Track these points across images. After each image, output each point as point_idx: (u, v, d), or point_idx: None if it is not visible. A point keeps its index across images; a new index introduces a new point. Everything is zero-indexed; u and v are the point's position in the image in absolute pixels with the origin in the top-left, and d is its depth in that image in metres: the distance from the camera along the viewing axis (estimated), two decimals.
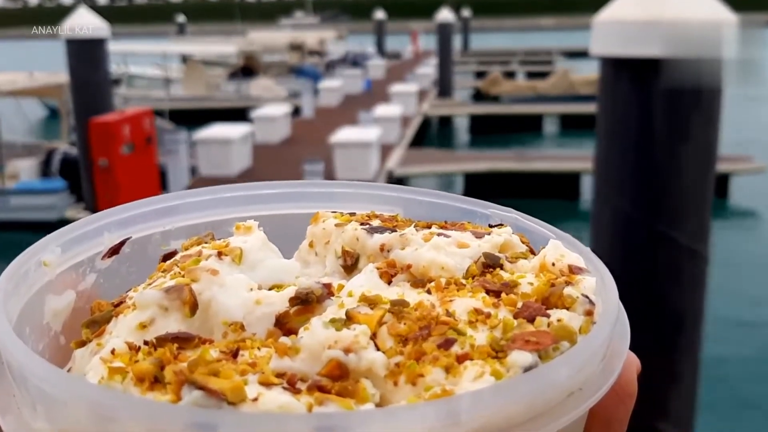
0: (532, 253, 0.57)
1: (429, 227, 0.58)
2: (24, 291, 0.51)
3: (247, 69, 27.34)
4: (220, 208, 0.64)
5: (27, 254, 0.52)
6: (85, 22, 11.71)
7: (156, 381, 0.42)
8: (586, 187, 14.36)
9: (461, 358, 0.43)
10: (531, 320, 0.46)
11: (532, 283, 0.50)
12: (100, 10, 15.05)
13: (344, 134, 14.44)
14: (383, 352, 0.44)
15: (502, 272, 0.53)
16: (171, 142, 13.06)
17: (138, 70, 27.75)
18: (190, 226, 0.62)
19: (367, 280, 0.52)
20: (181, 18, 40.44)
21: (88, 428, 0.38)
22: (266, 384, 0.41)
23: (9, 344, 0.42)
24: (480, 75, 33.42)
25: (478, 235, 0.56)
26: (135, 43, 28.36)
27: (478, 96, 27.52)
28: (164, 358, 0.43)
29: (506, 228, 0.58)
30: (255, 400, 0.39)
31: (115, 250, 0.58)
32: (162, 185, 12.24)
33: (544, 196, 14.57)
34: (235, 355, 0.44)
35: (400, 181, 15.44)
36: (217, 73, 28.94)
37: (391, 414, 0.39)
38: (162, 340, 0.46)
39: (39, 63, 22.84)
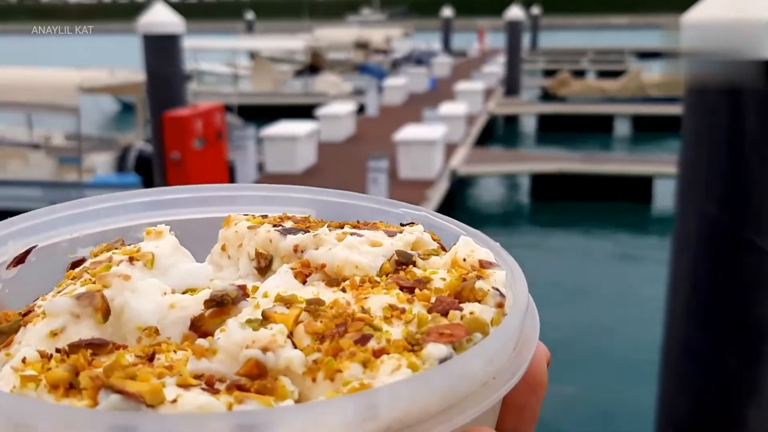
0: (444, 249, 0.58)
1: (342, 227, 0.58)
2: None
3: (312, 66, 27.59)
4: (127, 214, 0.63)
5: None
6: (161, 18, 11.95)
7: (71, 387, 0.41)
8: (660, 191, 14.02)
9: (378, 353, 0.44)
10: (444, 314, 0.47)
11: (444, 279, 0.51)
12: (173, 7, 15.40)
13: (409, 132, 14.41)
14: (301, 350, 0.44)
15: (414, 269, 0.53)
16: (239, 138, 13.25)
17: (207, 66, 28.29)
18: (98, 233, 0.61)
19: (282, 281, 0.52)
20: (250, 15, 41.03)
21: None
22: (184, 386, 0.41)
23: None
24: (548, 74, 32.97)
25: (391, 234, 0.57)
26: (205, 39, 28.86)
27: (546, 95, 27.16)
28: (78, 364, 0.43)
29: (418, 226, 0.59)
30: (174, 401, 0.39)
31: (20, 259, 0.57)
32: (230, 180, 12.42)
33: (613, 199, 14.28)
34: (151, 358, 0.44)
35: (464, 180, 15.33)
36: (284, 70, 29.28)
37: (310, 409, 0.39)
38: (75, 347, 0.45)
39: (114, 57, 23.47)
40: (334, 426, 0.37)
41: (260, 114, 21.33)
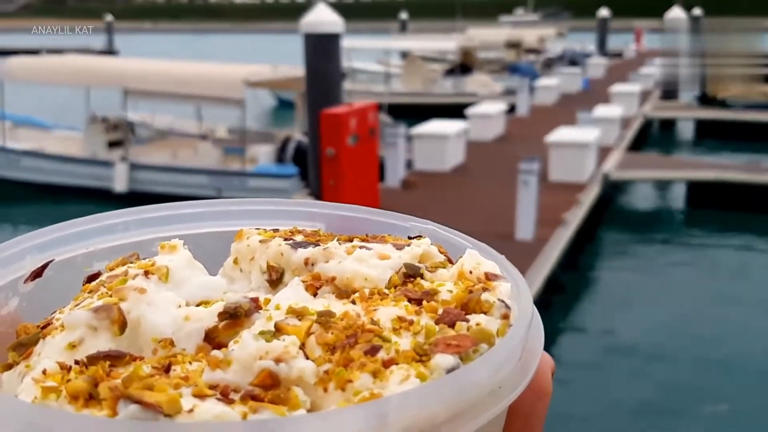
0: (450, 262, 0.59)
1: (351, 240, 0.59)
2: None
3: (463, 65, 27.69)
4: (142, 228, 0.64)
5: None
6: (323, 18, 12.45)
7: (90, 398, 0.42)
8: None
9: (387, 363, 0.45)
10: (451, 325, 0.48)
11: (451, 291, 0.52)
12: (331, 6, 15.99)
13: (561, 134, 14.21)
14: (312, 361, 0.46)
15: (422, 281, 0.55)
16: (390, 136, 13.56)
17: (360, 65, 29.02)
18: (113, 248, 0.62)
19: (293, 293, 0.53)
20: (403, 15, 41.65)
21: None
22: (200, 396, 0.42)
23: None
24: (708, 77, 31.36)
25: (399, 247, 0.58)
26: (359, 38, 29.62)
27: (704, 99, 25.89)
28: (97, 375, 0.44)
29: (425, 239, 0.60)
30: (191, 411, 0.40)
31: (37, 274, 0.59)
32: (380, 176, 12.74)
33: None
34: (167, 369, 0.45)
35: (617, 185, 14.94)
36: (435, 69, 29.54)
37: (323, 418, 0.40)
38: (93, 359, 0.46)
39: (274, 55, 24.56)
40: None
41: (410, 112, 21.67)
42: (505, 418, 0.50)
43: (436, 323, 0.49)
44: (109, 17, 54.44)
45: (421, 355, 0.46)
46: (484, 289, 0.52)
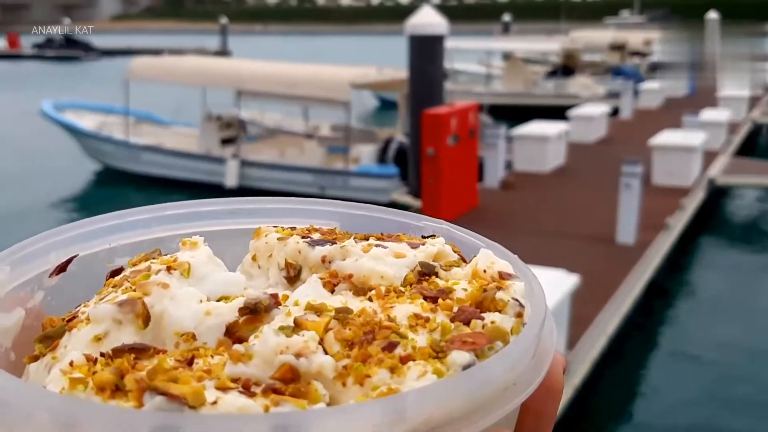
0: (464, 261, 0.60)
1: (367, 239, 0.60)
2: None
3: (566, 67, 27.41)
4: (162, 225, 0.66)
5: None
6: (428, 20, 12.76)
7: (117, 389, 0.43)
8: None
9: (404, 359, 0.46)
10: (467, 323, 0.50)
11: (466, 289, 0.53)
12: (436, 9, 16.22)
13: (666, 137, 14.01)
14: (331, 356, 0.47)
15: (437, 280, 0.55)
16: (490, 136, 13.69)
17: (462, 66, 29.13)
18: (134, 244, 0.64)
19: (311, 290, 0.54)
20: (507, 17, 41.48)
21: None
22: (223, 388, 0.43)
23: None
24: None
25: (414, 246, 0.59)
26: (462, 40, 29.76)
27: None
28: (123, 367, 0.45)
29: (439, 238, 0.61)
30: (214, 403, 0.41)
31: (62, 268, 0.60)
32: (479, 177, 12.90)
33: None
34: (190, 363, 0.47)
35: (723, 191, 14.58)
36: (536, 70, 29.35)
37: (343, 411, 0.42)
38: (119, 351, 0.48)
39: (378, 56, 25.04)
40: (365, 428, 0.39)
41: (510, 113, 21.67)
42: (517, 415, 0.52)
43: (452, 321, 0.50)
44: (224, 20, 56.42)
45: (437, 352, 0.47)
46: (498, 288, 0.53)
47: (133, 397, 0.42)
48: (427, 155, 11.36)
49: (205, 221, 0.67)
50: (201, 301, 0.53)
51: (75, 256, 0.61)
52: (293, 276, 0.59)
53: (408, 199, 13.11)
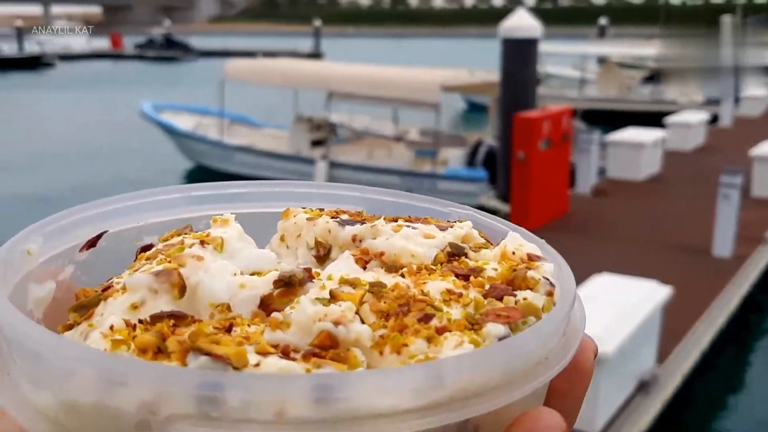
0: (491, 244, 0.60)
1: (395, 220, 0.61)
2: (10, 278, 0.52)
3: (663, 73, 26.64)
4: (190, 205, 0.66)
5: (13, 242, 0.55)
6: (522, 23, 12.62)
7: (159, 352, 0.44)
8: None
9: (440, 330, 0.47)
10: (499, 299, 0.50)
11: (496, 269, 0.54)
12: (531, 12, 16.02)
13: None
14: (368, 326, 0.47)
15: (467, 260, 0.56)
16: (583, 142, 13.42)
17: (555, 70, 28.70)
18: (162, 222, 0.64)
19: (344, 266, 0.55)
20: (603, 20, 40.60)
21: (95, 395, 0.39)
22: (263, 353, 0.44)
23: (12, 317, 0.44)
24: None
25: (442, 228, 0.59)
26: (556, 43, 29.31)
27: None
28: (164, 331, 0.46)
29: (467, 222, 0.62)
30: (257, 365, 0.42)
31: (92, 243, 0.60)
32: (570, 183, 12.67)
33: None
34: (228, 330, 0.47)
35: None
36: (632, 75, 28.63)
37: (384, 374, 0.43)
38: (157, 318, 0.48)
39: (471, 59, 24.94)
40: (404, 390, 0.40)
41: (604, 119, 21.22)
42: (545, 393, 0.52)
43: (484, 297, 0.51)
44: (317, 22, 57.35)
45: (472, 324, 0.48)
46: (528, 268, 0.54)
47: (176, 358, 0.42)
48: (517, 159, 11.23)
49: (232, 203, 0.67)
50: (235, 274, 0.53)
51: (105, 232, 0.61)
52: (323, 255, 0.59)
53: (496, 203, 12.99)
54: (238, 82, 17.45)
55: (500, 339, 0.47)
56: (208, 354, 0.42)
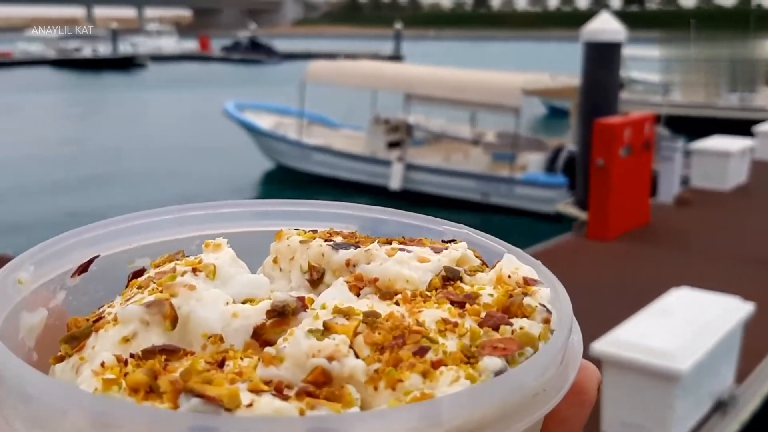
0: (485, 265, 0.60)
1: (389, 243, 0.60)
2: (2, 308, 0.52)
3: (752, 79, 25.66)
4: (183, 226, 0.66)
5: (4, 272, 0.54)
6: (605, 27, 12.35)
7: (150, 391, 0.43)
8: None
9: (436, 364, 0.46)
10: (495, 328, 0.49)
11: (492, 295, 0.53)
12: (616, 15, 15.70)
13: None
14: (362, 360, 0.46)
15: (462, 285, 0.55)
16: (667, 149, 13.04)
17: (638, 75, 28.02)
18: (155, 244, 0.64)
19: (338, 293, 0.54)
20: (691, 24, 39.43)
21: None
22: (256, 391, 0.43)
23: (3, 357, 0.43)
24: None
25: (437, 250, 0.59)
26: (641, 48, 28.59)
27: None
28: (155, 368, 0.45)
29: (462, 243, 0.61)
30: (250, 405, 0.41)
31: (84, 268, 0.60)
32: (652, 191, 12.34)
33: None
34: (221, 365, 0.46)
35: None
36: (719, 82, 27.69)
37: (380, 415, 0.42)
38: (149, 353, 0.47)
39: (552, 62, 24.59)
40: (400, 431, 0.40)
41: (690, 126, 20.58)
42: (542, 422, 0.51)
43: (480, 326, 0.50)
44: (398, 25, 57.62)
45: (468, 357, 0.47)
46: (524, 294, 0.53)
47: (168, 399, 0.42)
48: (596, 166, 11.00)
49: (225, 223, 0.67)
50: (227, 302, 0.53)
51: (97, 257, 0.61)
52: (316, 279, 0.58)
53: (574, 211, 12.75)
54: (319, 83, 17.71)
55: (497, 373, 0.46)
56: (200, 395, 0.41)
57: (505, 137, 16.03)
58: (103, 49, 60.93)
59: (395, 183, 15.90)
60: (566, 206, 13.27)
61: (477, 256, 0.61)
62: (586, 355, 0.55)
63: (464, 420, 0.41)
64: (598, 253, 9.97)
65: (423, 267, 0.56)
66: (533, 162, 14.86)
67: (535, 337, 0.49)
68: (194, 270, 0.55)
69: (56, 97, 37.97)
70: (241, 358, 0.47)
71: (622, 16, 16.47)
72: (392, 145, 16.71)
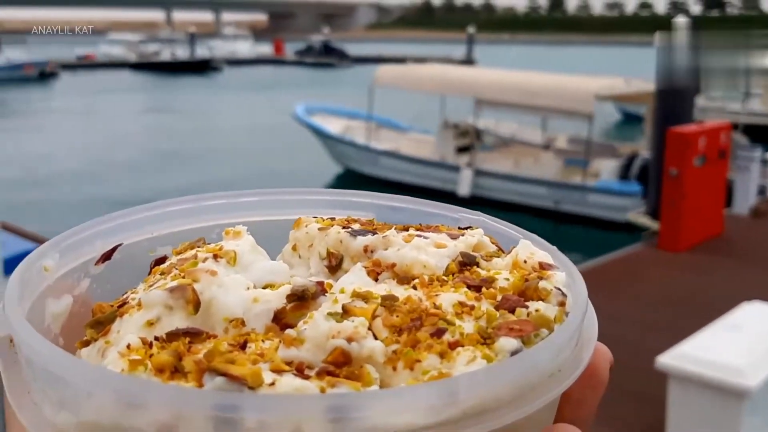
0: (501, 251, 0.60)
1: (406, 230, 0.61)
2: (28, 295, 0.54)
3: None
4: (202, 215, 0.67)
5: (30, 260, 0.56)
6: (680, 32, 12.05)
7: (175, 371, 0.44)
8: None
9: (453, 345, 0.47)
10: (511, 311, 0.50)
11: (508, 279, 0.54)
12: (695, 20, 15.32)
13: None
14: (380, 341, 0.47)
15: (478, 270, 0.56)
16: (744, 159, 12.64)
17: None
18: (176, 233, 0.65)
19: (356, 278, 0.55)
20: None
21: (113, 417, 0.40)
22: (278, 371, 0.44)
23: (32, 340, 0.44)
24: None
25: (453, 236, 0.59)
26: (719, 53, 27.71)
27: None
28: (180, 350, 0.46)
29: (478, 229, 0.62)
30: (272, 384, 0.42)
31: (107, 256, 0.61)
32: (726, 202, 11.97)
33: None
34: (243, 347, 0.47)
35: None
36: None
37: (398, 393, 0.43)
38: (173, 335, 0.49)
39: (628, 68, 24.09)
40: (418, 409, 0.41)
41: None
42: (557, 403, 0.52)
43: (496, 309, 0.51)
44: (471, 29, 57.38)
45: (485, 338, 0.48)
46: (540, 278, 0.53)
47: (193, 378, 0.43)
48: (669, 175, 10.74)
49: (243, 212, 0.68)
50: (248, 288, 0.54)
51: (120, 245, 0.62)
52: (335, 265, 0.59)
53: (645, 220, 12.46)
54: (387, 88, 17.73)
55: (513, 353, 0.46)
56: (224, 374, 0.42)
57: (577, 143, 15.76)
58: (181, 53, 62.47)
59: (464, 189, 15.79)
60: (637, 215, 12.98)
61: (493, 242, 0.61)
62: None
63: (481, 398, 0.42)
64: (669, 264, 9.72)
65: (440, 252, 0.57)
66: (606, 169, 14.56)
67: (550, 319, 0.50)
68: (215, 256, 0.56)
69: (135, 98, 39.24)
70: (263, 341, 0.49)
71: (701, 21, 16.03)
72: (461, 150, 16.60)
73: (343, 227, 0.61)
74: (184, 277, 0.53)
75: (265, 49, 74.26)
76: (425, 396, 0.41)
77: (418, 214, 0.68)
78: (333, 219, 0.64)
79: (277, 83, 46.72)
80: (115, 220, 0.63)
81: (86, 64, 59.84)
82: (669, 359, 5.17)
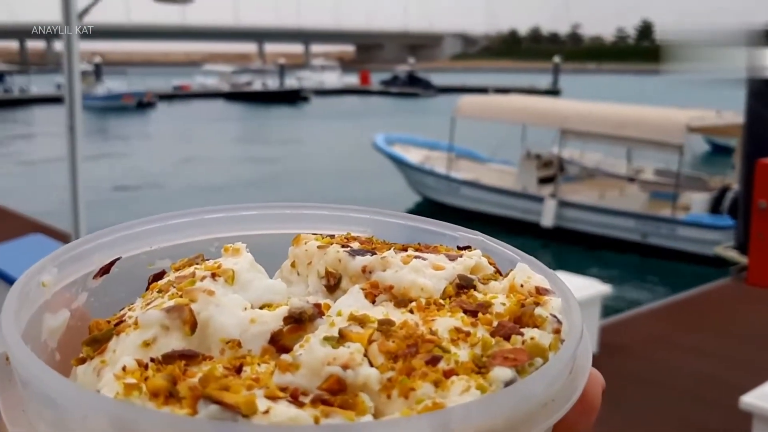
0: (499, 273, 0.61)
1: (405, 249, 0.61)
2: (25, 313, 0.53)
3: None
4: (202, 228, 0.67)
5: (28, 275, 0.55)
6: None
7: (170, 396, 0.44)
8: None
9: (448, 374, 0.47)
10: (507, 338, 0.50)
11: (504, 304, 0.54)
12: None
13: None
14: (375, 368, 0.47)
15: (475, 293, 0.56)
16: None
17: None
18: (174, 246, 0.65)
19: (354, 300, 0.55)
20: None
21: None
22: (272, 398, 0.44)
23: (27, 361, 0.44)
24: None
25: (452, 258, 0.59)
26: None
27: None
28: (175, 373, 0.46)
29: (476, 251, 0.62)
30: (266, 412, 0.42)
31: (105, 270, 0.61)
32: None
33: None
34: (238, 370, 0.47)
35: None
36: None
37: (391, 424, 0.43)
38: (169, 358, 0.49)
39: (720, 99, 23.44)
40: None
41: None
42: (550, 430, 0.51)
43: (492, 335, 0.51)
44: (556, 59, 56.95)
45: (479, 367, 0.48)
46: (536, 304, 0.54)
47: (187, 405, 0.43)
48: (758, 209, 10.40)
49: (243, 225, 0.68)
50: (245, 308, 0.54)
51: (118, 259, 0.62)
52: (333, 284, 0.60)
53: (733, 254, 12.07)
54: (469, 118, 17.75)
55: (507, 383, 0.47)
56: (218, 402, 0.43)
57: (665, 175, 15.41)
58: (272, 83, 64.15)
59: (547, 220, 15.60)
60: (725, 249, 12.58)
61: (491, 263, 0.62)
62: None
63: (474, 429, 0.42)
64: (757, 301, 9.39)
65: (437, 275, 0.57)
66: (697, 202, 14.18)
67: (545, 347, 0.50)
68: (213, 275, 0.56)
69: (228, 126, 40.64)
70: (258, 364, 0.49)
71: None
72: (544, 180, 16.43)
73: (342, 246, 0.61)
74: (181, 296, 0.54)
75: (352, 79, 75.46)
76: (418, 427, 0.42)
77: (418, 231, 0.68)
78: (332, 236, 0.65)
79: (362, 112, 47.42)
80: (114, 233, 0.63)
81: (182, 94, 62.06)
82: (754, 398, 5.01)
